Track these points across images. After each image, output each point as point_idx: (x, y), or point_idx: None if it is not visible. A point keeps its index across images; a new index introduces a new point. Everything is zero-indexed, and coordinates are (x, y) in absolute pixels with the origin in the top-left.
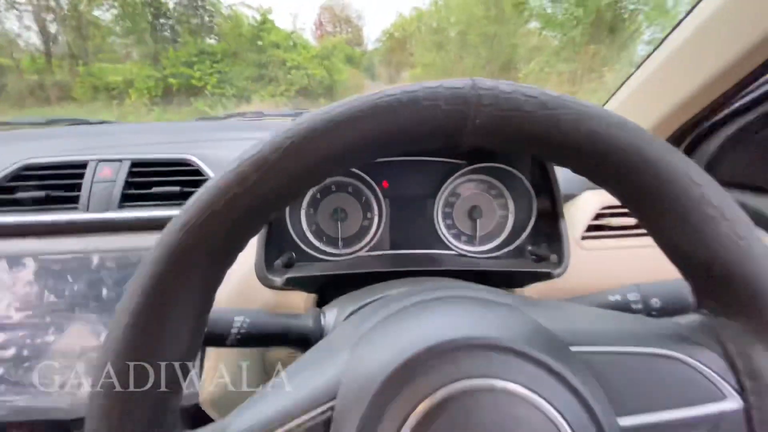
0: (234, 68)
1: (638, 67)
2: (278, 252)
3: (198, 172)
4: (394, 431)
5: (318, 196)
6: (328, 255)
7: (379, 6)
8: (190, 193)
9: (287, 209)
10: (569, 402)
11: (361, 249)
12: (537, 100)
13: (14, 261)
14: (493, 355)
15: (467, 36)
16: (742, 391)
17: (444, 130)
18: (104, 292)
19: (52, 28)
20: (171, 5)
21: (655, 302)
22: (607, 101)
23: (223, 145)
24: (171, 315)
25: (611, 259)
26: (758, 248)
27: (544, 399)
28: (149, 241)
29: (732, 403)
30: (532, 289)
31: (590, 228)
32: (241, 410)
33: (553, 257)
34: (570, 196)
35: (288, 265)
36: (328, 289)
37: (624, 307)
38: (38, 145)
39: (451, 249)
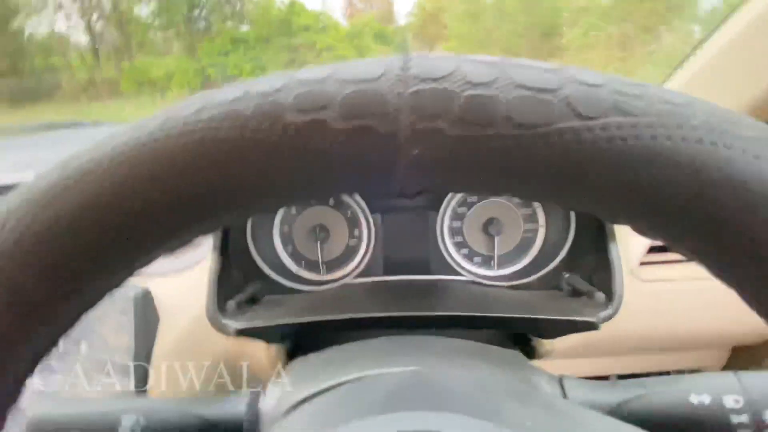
0: (266, 54)
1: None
2: (243, 284)
3: None
4: None
5: (293, 211)
6: (308, 283)
7: None
8: None
9: (249, 229)
10: None
11: (347, 275)
12: (561, 98)
13: None
14: None
15: (504, 2)
16: None
17: (340, 177)
18: None
19: (98, 26)
20: None
21: None
22: (670, 75)
23: None
24: None
25: (679, 294)
26: None
27: None
28: None
29: None
30: (566, 340)
31: (651, 250)
32: None
33: (599, 296)
34: None
35: (254, 301)
36: (306, 335)
37: (717, 419)
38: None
39: (461, 273)
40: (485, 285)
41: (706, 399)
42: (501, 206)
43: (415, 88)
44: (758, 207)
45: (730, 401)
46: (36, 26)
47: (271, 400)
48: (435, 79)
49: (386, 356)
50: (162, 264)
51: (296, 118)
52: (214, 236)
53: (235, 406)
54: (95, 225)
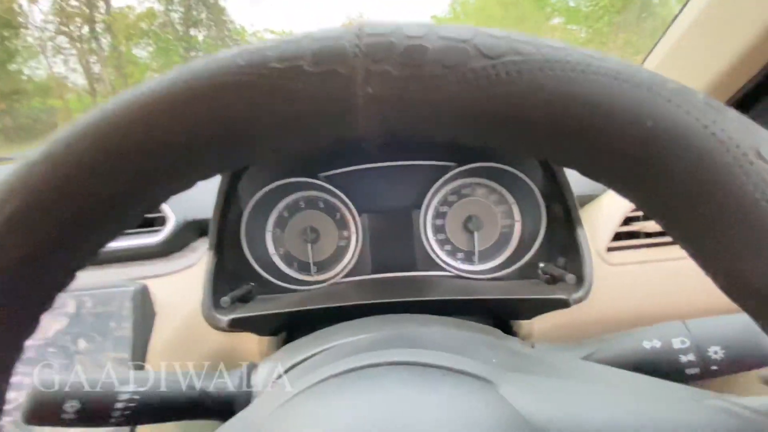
0: None
1: (680, 10)
2: (237, 284)
3: None
4: None
5: (285, 214)
6: (299, 283)
7: (397, 16)
8: (143, 223)
9: (243, 234)
10: None
11: (337, 274)
12: (472, 45)
13: None
14: None
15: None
16: None
17: (314, 113)
18: None
19: (96, 68)
20: (200, 38)
21: (715, 352)
22: (644, 59)
23: None
24: None
25: (647, 276)
26: None
27: None
28: (90, 278)
29: None
30: (545, 321)
31: (618, 236)
32: None
33: (570, 277)
34: (590, 197)
35: (245, 300)
36: (295, 330)
37: (667, 359)
38: None
39: (445, 269)
40: (468, 278)
41: (657, 343)
42: (479, 204)
43: (367, 41)
44: (611, 118)
45: (677, 343)
46: (35, 69)
47: (262, 373)
48: (382, 35)
49: (369, 327)
50: (159, 266)
51: (279, 65)
52: (210, 236)
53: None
54: (136, 153)
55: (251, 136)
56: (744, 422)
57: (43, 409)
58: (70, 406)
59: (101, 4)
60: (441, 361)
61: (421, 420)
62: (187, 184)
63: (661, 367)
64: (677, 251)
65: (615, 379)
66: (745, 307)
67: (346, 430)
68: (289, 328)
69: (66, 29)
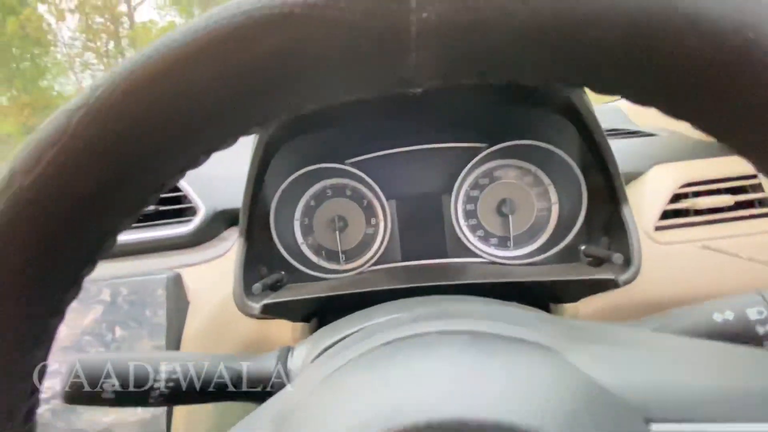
0: None
1: None
2: (267, 273)
3: (176, 188)
4: None
5: (312, 203)
6: (328, 272)
7: None
8: (166, 212)
9: (272, 222)
10: None
11: (366, 263)
12: None
13: None
14: None
15: None
16: None
17: (358, 46)
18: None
19: None
20: None
21: None
22: None
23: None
24: None
25: (699, 257)
26: None
27: None
28: (124, 268)
29: None
30: (590, 305)
31: (666, 215)
32: None
33: (617, 257)
34: (634, 175)
35: (276, 287)
36: (327, 316)
37: (744, 332)
38: None
39: (478, 256)
40: (503, 264)
41: (730, 315)
42: (513, 187)
43: None
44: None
45: (753, 314)
46: (64, 84)
47: (299, 355)
48: None
49: (409, 306)
50: (190, 256)
51: None
52: (240, 223)
53: (265, 362)
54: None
55: (292, 76)
56: None
57: (83, 389)
58: (110, 386)
59: (125, 19)
60: (494, 329)
61: (484, 388)
62: (231, 134)
63: (737, 341)
64: (729, 229)
65: (698, 346)
66: None
67: (400, 397)
68: (321, 315)
69: (93, 45)
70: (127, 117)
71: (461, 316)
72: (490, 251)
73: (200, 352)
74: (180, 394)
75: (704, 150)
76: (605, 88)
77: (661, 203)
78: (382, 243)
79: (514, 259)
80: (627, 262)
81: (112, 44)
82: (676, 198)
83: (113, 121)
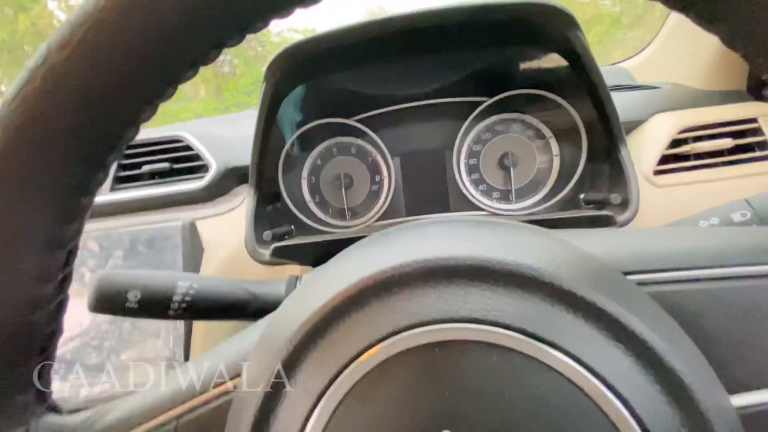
0: None
1: None
2: (278, 224)
3: (189, 147)
4: (308, 411)
5: (319, 161)
6: (335, 228)
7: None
8: (181, 170)
9: (280, 178)
10: (631, 370)
11: (371, 218)
12: None
13: None
14: (487, 286)
15: None
16: None
17: None
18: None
19: None
20: None
21: None
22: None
23: (222, 124)
24: None
25: (696, 197)
26: None
27: (579, 362)
28: (141, 221)
29: None
30: None
31: (666, 159)
32: (127, 398)
33: (614, 197)
34: (635, 124)
35: (283, 239)
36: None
37: None
38: None
39: (481, 209)
40: (506, 215)
41: (715, 220)
42: (515, 140)
43: None
44: None
45: (737, 216)
46: None
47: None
48: None
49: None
50: (204, 210)
51: None
52: (251, 175)
53: (276, 287)
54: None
55: None
56: None
57: (109, 297)
58: (133, 295)
59: None
60: (488, 219)
61: (454, 245)
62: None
63: None
64: (729, 171)
65: (673, 229)
66: None
67: (359, 269)
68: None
69: None
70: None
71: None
72: (493, 204)
73: (216, 276)
74: (198, 308)
75: (706, 99)
76: None
77: (660, 148)
78: (386, 199)
79: (517, 211)
80: (625, 203)
81: None
82: (677, 144)
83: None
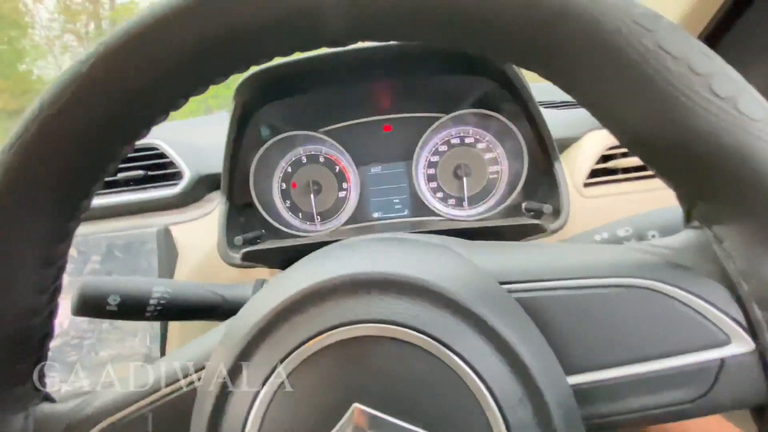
0: None
1: None
2: (249, 229)
3: (163, 155)
4: (251, 400)
5: (289, 169)
6: (305, 231)
7: None
8: (155, 177)
9: (252, 185)
10: (490, 356)
11: (340, 223)
12: None
13: None
14: (376, 292)
15: None
16: (751, 327)
17: (294, 19)
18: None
19: None
20: None
21: (653, 234)
22: None
23: (196, 126)
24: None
25: (620, 207)
26: (757, 111)
27: (453, 351)
28: (117, 226)
29: (738, 346)
30: None
31: (595, 173)
32: (114, 388)
33: (547, 207)
34: (572, 140)
35: (254, 243)
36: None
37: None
38: None
39: (438, 214)
40: (459, 221)
41: (605, 235)
42: (468, 153)
43: None
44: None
45: (621, 232)
46: (43, 68)
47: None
48: None
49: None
50: (177, 215)
51: None
52: (222, 181)
53: (242, 290)
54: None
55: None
56: (658, 257)
57: (91, 302)
58: (113, 299)
59: (105, 0)
60: (411, 237)
61: (367, 263)
62: (213, 76)
63: None
64: (652, 183)
65: (555, 245)
66: (641, 157)
67: (300, 281)
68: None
69: (72, 27)
70: (138, 55)
71: (392, 234)
72: (448, 210)
73: (189, 281)
74: (171, 310)
75: None
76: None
77: (590, 162)
78: (353, 205)
79: (468, 217)
80: (557, 212)
81: (92, 25)
82: (606, 159)
83: (122, 61)
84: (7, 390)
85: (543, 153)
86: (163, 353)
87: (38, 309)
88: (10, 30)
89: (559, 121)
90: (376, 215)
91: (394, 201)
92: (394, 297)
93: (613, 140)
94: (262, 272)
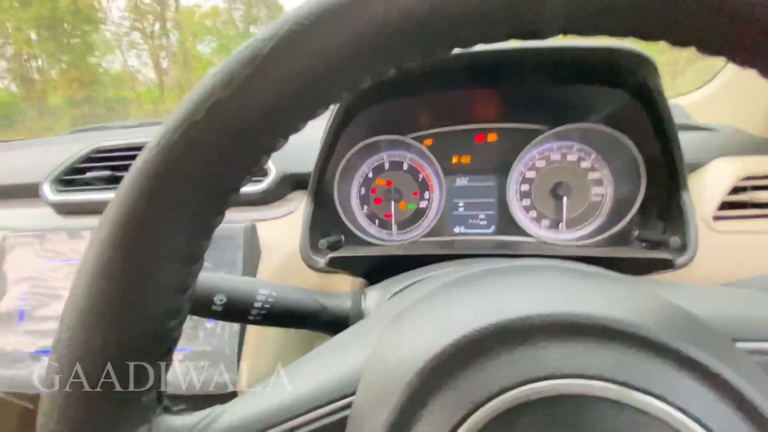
0: None
1: None
2: (327, 235)
3: None
4: None
5: (370, 174)
6: (380, 240)
7: None
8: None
9: (335, 189)
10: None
11: (418, 234)
12: None
13: (75, 233)
14: (598, 343)
15: None
16: None
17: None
18: None
19: (164, 63)
20: None
21: None
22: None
23: None
24: (148, 282)
25: (756, 246)
26: None
27: (697, 421)
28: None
29: None
30: None
31: (725, 206)
32: (240, 400)
33: (674, 240)
34: (693, 167)
35: (335, 248)
36: (378, 275)
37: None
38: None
39: (528, 235)
40: (554, 245)
41: None
42: (569, 170)
43: None
44: None
45: None
46: (110, 62)
47: (373, 296)
48: None
49: (472, 263)
50: (262, 212)
51: None
52: (310, 186)
53: (342, 300)
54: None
55: (434, 27)
56: None
57: (198, 300)
58: (219, 299)
59: (171, 2)
60: (569, 265)
61: (559, 298)
62: (378, 72)
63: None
64: None
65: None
66: None
67: (470, 315)
68: (374, 274)
69: (140, 26)
70: (308, 49)
71: (528, 262)
72: (540, 232)
73: (289, 285)
74: (274, 316)
75: (765, 147)
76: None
77: (722, 193)
78: (434, 217)
79: (565, 241)
80: (683, 246)
81: (157, 26)
82: (736, 191)
83: (296, 51)
84: (137, 398)
85: (670, 177)
86: (239, 353)
87: (176, 310)
88: (84, 24)
89: (681, 144)
90: (457, 230)
91: (480, 216)
92: (616, 349)
93: (746, 170)
94: (341, 277)
